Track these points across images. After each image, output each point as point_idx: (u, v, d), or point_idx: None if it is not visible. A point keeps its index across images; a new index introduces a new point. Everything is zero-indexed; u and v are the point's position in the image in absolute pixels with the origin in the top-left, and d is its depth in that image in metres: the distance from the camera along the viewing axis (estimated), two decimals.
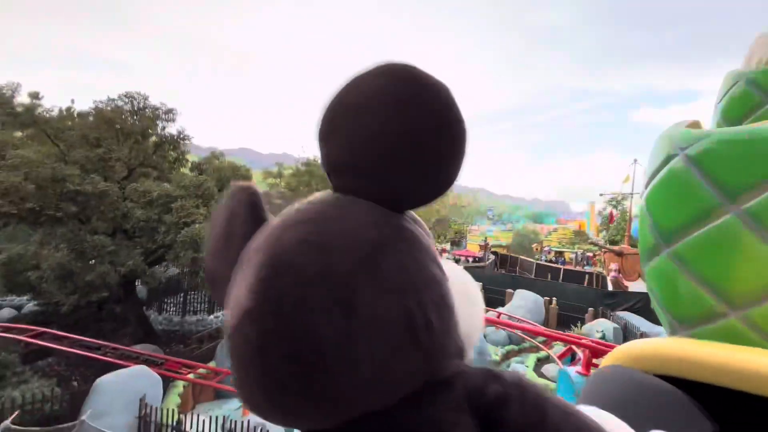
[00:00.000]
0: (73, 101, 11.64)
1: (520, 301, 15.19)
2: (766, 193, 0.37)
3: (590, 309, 14.24)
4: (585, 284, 21.51)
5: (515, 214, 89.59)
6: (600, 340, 5.36)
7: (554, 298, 15.46)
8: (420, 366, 0.40)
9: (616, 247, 16.68)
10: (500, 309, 14.65)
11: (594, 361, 4.95)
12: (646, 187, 0.52)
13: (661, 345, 0.40)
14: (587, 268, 29.97)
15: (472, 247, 45.09)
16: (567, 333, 6.58)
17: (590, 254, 27.57)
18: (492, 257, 27.40)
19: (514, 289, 16.40)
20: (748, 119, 0.58)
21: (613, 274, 16.34)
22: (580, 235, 43.21)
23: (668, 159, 0.46)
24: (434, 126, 0.40)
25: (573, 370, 5.33)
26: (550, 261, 39.08)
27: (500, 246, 37.46)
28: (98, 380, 6.76)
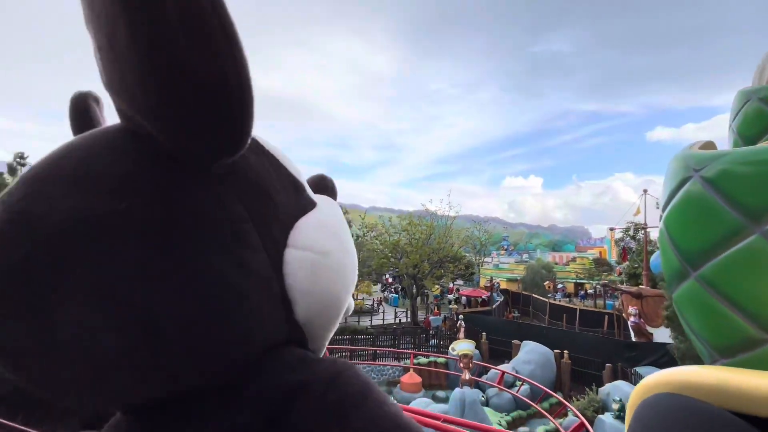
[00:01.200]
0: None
1: (528, 355, 13.42)
2: None
3: (607, 365, 12.34)
4: (605, 327, 19.43)
5: (531, 242, 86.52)
6: None
7: (566, 352, 13.61)
8: (150, 378, 0.36)
9: (633, 288, 14.85)
10: (504, 366, 12.95)
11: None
12: (663, 210, 0.49)
13: (719, 375, 0.35)
14: (609, 306, 27.54)
15: (486, 282, 42.97)
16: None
17: (613, 287, 25.37)
18: (501, 298, 25.40)
19: (522, 340, 14.66)
20: (765, 136, 0.57)
21: (632, 319, 14.46)
22: (601, 264, 40.53)
23: (683, 182, 0.45)
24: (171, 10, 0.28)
25: None
26: (570, 293, 36.59)
27: (515, 280, 35.32)
28: None
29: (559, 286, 28.74)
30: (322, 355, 0.50)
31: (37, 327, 0.32)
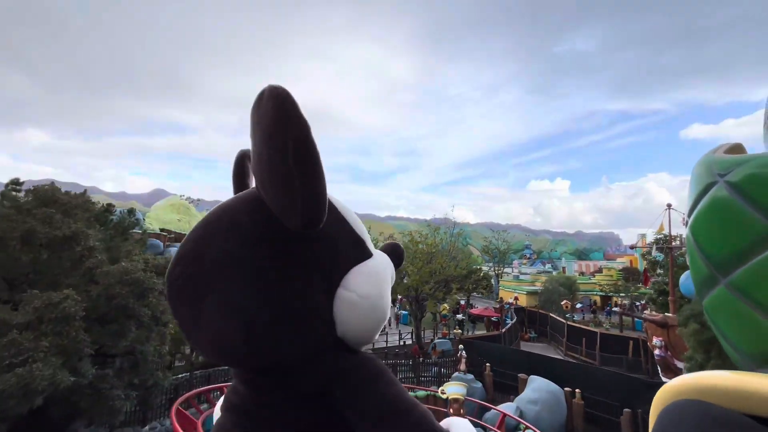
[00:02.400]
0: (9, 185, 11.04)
1: (534, 394, 11.93)
2: None
3: (626, 410, 10.70)
4: (629, 354, 17.46)
5: (556, 250, 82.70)
6: None
7: (578, 391, 12.03)
8: (249, 358, 0.62)
9: (657, 316, 13.03)
10: (507, 405, 11.53)
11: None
12: (689, 216, 0.49)
13: (739, 378, 0.35)
14: (639, 325, 24.99)
15: (505, 294, 40.62)
16: None
17: (630, 314, 22.87)
18: (513, 320, 23.50)
19: (530, 373, 13.16)
20: None
21: (657, 352, 12.67)
22: (630, 274, 37.45)
23: (708, 187, 0.45)
24: (268, 141, 0.54)
25: None
26: (596, 308, 33.88)
27: (535, 293, 33.19)
28: None
29: (578, 305, 26.42)
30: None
31: (192, 315, 0.61)
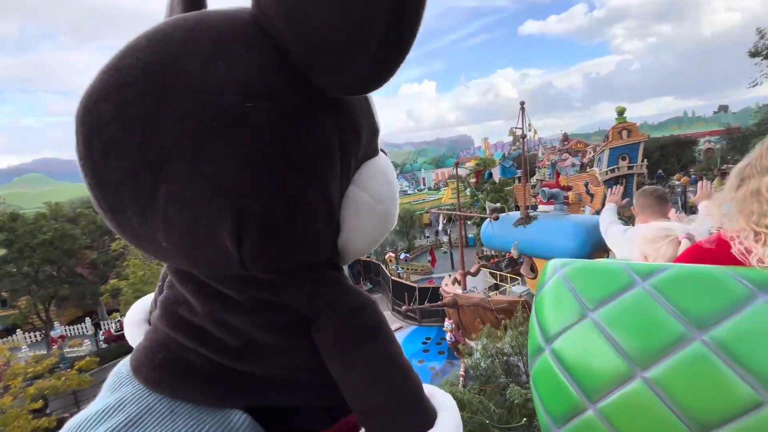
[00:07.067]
0: None
1: None
2: (611, 304, 0.51)
3: None
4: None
5: (417, 162, 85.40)
6: None
7: None
8: (248, 259, 0.41)
9: (449, 294, 11.18)
10: None
11: None
12: (534, 300, 0.61)
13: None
14: (471, 241, 25.49)
15: None
16: None
17: (413, 307, 22.38)
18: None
19: None
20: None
21: (449, 336, 11.07)
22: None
23: (550, 277, 0.59)
24: None
25: None
26: (439, 225, 34.81)
27: None
28: None
29: (402, 256, 25.38)
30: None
31: (142, 189, 0.36)
